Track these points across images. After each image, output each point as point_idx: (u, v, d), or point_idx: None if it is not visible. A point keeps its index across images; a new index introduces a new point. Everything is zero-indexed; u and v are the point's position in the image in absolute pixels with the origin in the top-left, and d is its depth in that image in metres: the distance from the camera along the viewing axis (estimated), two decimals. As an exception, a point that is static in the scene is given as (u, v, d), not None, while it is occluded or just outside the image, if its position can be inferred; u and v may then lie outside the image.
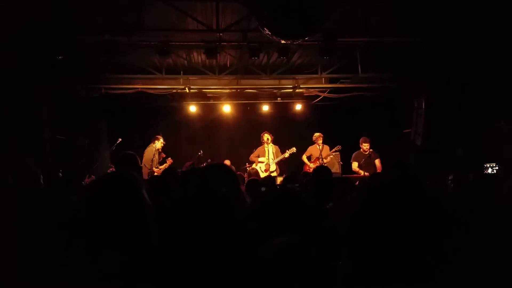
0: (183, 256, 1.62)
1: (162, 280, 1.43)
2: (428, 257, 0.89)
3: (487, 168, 7.03)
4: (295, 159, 8.97)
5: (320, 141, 8.36)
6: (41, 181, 3.35)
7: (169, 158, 8.41)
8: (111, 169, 8.24)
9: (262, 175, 7.78)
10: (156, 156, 8.13)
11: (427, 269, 0.89)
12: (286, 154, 8.33)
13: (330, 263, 1.19)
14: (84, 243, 1.23)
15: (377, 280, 0.89)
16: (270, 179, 4.91)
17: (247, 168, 8.59)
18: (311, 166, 8.19)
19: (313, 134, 8.49)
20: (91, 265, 1.23)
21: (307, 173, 6.27)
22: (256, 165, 8.24)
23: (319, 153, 8.25)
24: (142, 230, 1.46)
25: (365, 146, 8.00)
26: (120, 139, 8.55)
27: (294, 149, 8.32)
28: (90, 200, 1.47)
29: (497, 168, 6.85)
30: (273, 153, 8.34)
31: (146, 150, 8.17)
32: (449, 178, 3.72)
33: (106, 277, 1.25)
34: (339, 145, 8.34)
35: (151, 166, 7.85)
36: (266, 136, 8.37)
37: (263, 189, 4.02)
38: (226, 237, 1.72)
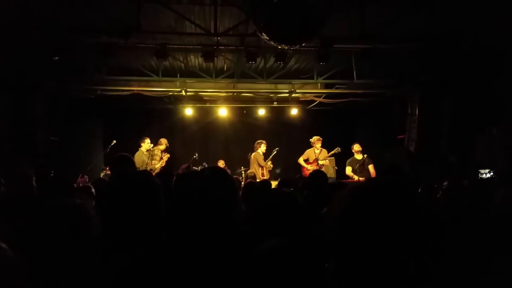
0: (177, 259, 1.63)
1: (158, 282, 1.43)
2: (415, 262, 0.90)
3: (482, 174, 7.08)
4: (291, 162, 9.05)
5: (319, 145, 8.39)
6: (33, 182, 3.31)
7: (166, 153, 8.26)
8: (104, 171, 8.20)
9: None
10: (145, 158, 7.81)
11: (415, 274, 0.90)
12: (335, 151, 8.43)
13: (320, 266, 1.21)
14: (95, 243, 1.24)
15: (363, 285, 0.90)
16: (266, 183, 4.92)
17: (243, 172, 8.61)
18: (309, 168, 8.21)
19: (312, 138, 8.49)
20: (101, 264, 1.24)
21: (302, 177, 6.29)
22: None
23: (316, 156, 8.31)
24: (155, 231, 1.49)
25: (356, 147, 8.07)
26: (114, 141, 8.50)
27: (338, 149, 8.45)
28: (112, 197, 1.50)
29: (491, 174, 6.90)
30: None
31: (135, 156, 7.61)
32: (444, 184, 3.74)
33: (113, 277, 1.26)
34: (338, 148, 8.38)
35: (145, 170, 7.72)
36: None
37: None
38: (221, 241, 1.73)
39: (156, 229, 1.55)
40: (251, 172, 7.01)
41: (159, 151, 8.22)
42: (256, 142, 8.61)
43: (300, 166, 8.53)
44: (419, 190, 3.96)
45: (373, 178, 6.72)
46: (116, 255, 1.36)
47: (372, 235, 0.88)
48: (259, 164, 8.36)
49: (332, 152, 8.36)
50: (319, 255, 1.24)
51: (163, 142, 8.30)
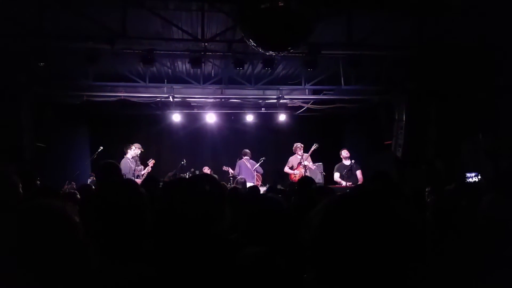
0: (163, 268, 1.60)
1: None
2: (396, 271, 0.89)
3: (469, 178, 7.16)
4: (279, 168, 9.06)
5: (301, 152, 8.46)
6: (20, 190, 3.23)
7: (151, 160, 8.20)
8: (92, 177, 8.08)
9: None
10: (132, 165, 7.73)
11: (396, 283, 0.89)
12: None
13: (300, 275, 1.20)
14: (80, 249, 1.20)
15: None
16: (254, 189, 4.91)
17: (231, 178, 8.58)
18: (296, 173, 8.27)
19: (293, 145, 8.60)
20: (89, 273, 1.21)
21: (291, 183, 6.30)
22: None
23: (299, 160, 8.39)
24: (139, 240, 1.48)
25: (344, 152, 8.17)
26: (101, 147, 8.41)
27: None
28: (96, 206, 1.49)
29: (478, 177, 6.97)
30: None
31: (121, 163, 7.44)
32: (427, 190, 3.78)
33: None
34: (315, 144, 8.51)
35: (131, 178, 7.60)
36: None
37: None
38: (208, 250, 1.71)
39: (140, 238, 1.54)
40: (242, 178, 6.98)
41: (137, 156, 8.15)
42: (246, 151, 8.79)
43: (287, 174, 8.60)
44: (406, 196, 3.99)
45: (359, 184, 6.75)
46: (102, 263, 1.33)
47: (350, 245, 0.87)
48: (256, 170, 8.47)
49: (312, 149, 8.49)
50: (300, 263, 1.23)
51: (137, 147, 8.18)
